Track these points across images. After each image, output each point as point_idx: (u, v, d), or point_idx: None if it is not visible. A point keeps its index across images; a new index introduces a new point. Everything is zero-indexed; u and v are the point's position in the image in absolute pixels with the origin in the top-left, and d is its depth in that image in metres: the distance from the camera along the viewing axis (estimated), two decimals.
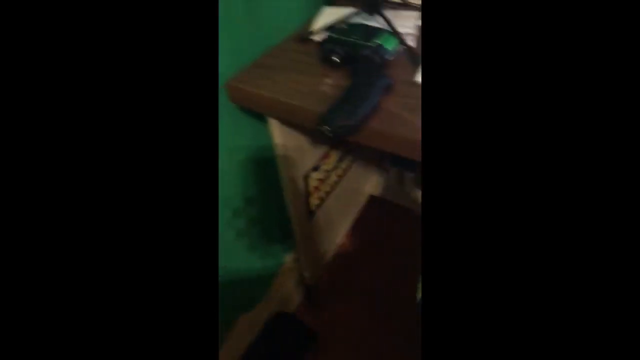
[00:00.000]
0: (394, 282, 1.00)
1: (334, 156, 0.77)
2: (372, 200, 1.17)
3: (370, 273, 1.03)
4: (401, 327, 0.92)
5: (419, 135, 0.37)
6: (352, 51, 0.43)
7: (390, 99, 0.41)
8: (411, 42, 0.49)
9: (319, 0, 0.62)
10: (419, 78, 0.43)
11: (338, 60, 0.44)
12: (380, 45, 0.43)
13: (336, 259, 1.05)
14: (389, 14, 0.53)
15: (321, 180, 0.75)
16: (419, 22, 0.53)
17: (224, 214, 0.63)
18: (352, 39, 0.44)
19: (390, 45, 0.44)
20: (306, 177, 0.69)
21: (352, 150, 0.85)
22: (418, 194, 1.05)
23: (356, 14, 0.52)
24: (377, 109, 0.40)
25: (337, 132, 0.36)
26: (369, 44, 0.43)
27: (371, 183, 1.12)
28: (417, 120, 0.39)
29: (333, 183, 0.82)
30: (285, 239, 0.84)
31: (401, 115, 0.39)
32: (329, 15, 0.55)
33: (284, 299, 0.95)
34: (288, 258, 0.95)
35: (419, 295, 0.51)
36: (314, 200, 0.76)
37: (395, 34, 0.47)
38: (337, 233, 1.06)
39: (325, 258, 1.02)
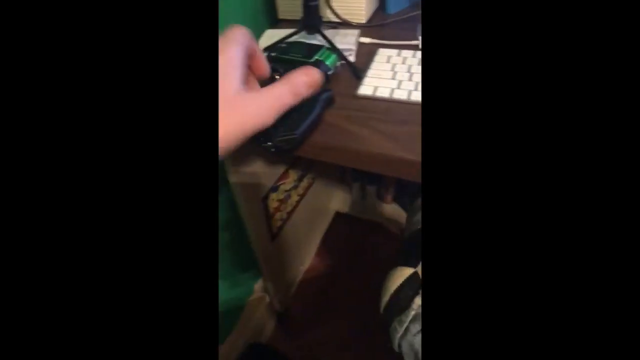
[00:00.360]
0: (368, 299, 0.99)
1: (292, 175, 0.76)
2: (339, 217, 1.17)
3: (342, 292, 1.01)
4: (378, 345, 0.90)
5: (364, 146, 0.38)
6: (292, 68, 0.44)
7: (334, 112, 0.42)
8: (351, 57, 0.50)
9: (262, 23, 0.63)
10: (360, 91, 0.44)
11: (279, 78, 0.45)
12: (319, 61, 0.44)
13: (306, 280, 1.03)
14: (329, 32, 0.54)
15: (281, 201, 0.74)
16: (360, 39, 0.54)
17: None
18: (291, 57, 0.45)
19: (330, 60, 0.44)
20: (265, 199, 0.68)
21: (311, 168, 0.85)
22: (382, 207, 1.07)
23: (297, 34, 0.53)
24: (320, 122, 0.40)
25: (279, 147, 0.36)
26: (308, 60, 0.44)
27: (336, 200, 1.12)
28: (360, 131, 0.39)
29: (295, 203, 0.81)
30: (252, 266, 0.82)
31: (345, 127, 0.40)
32: (271, 37, 0.56)
33: (256, 329, 0.91)
34: (257, 286, 0.92)
35: (382, 304, 0.51)
36: (276, 222, 0.75)
37: (334, 49, 0.48)
38: (305, 254, 1.04)
39: (294, 281, 1.00)
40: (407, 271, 0.48)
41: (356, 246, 1.11)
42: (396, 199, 1.06)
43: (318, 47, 0.46)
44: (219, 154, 0.25)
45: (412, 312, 0.44)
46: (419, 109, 0.41)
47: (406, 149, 0.36)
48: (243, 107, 0.28)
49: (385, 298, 0.49)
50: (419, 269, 0.47)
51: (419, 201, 0.59)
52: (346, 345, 0.91)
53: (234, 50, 0.28)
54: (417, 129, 0.38)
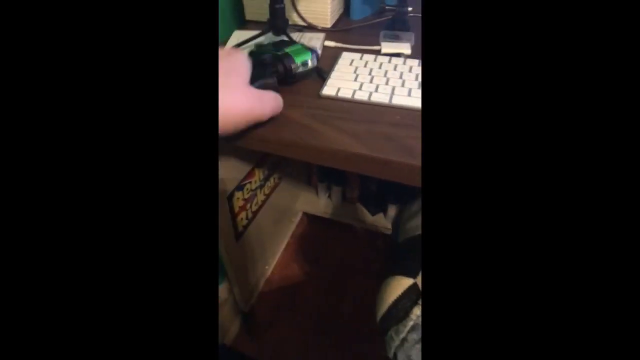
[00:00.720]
0: (334, 300, 1.01)
1: (258, 174, 0.77)
2: (305, 217, 1.18)
3: (307, 292, 1.02)
4: (345, 346, 0.92)
5: (327, 143, 0.39)
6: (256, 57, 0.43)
7: (299, 110, 0.43)
8: (316, 60, 0.52)
9: (230, 24, 0.64)
10: (324, 91, 0.45)
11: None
12: (288, 55, 0.44)
13: (272, 281, 1.03)
14: (295, 35, 0.56)
15: (246, 200, 0.74)
16: (325, 43, 0.57)
17: None
18: (264, 50, 0.46)
19: (300, 58, 0.45)
20: (230, 198, 0.68)
21: (277, 168, 0.86)
22: (347, 208, 1.09)
23: (263, 34, 0.54)
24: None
25: None
26: (277, 52, 0.45)
27: (302, 200, 1.13)
28: (323, 129, 0.41)
29: (260, 202, 0.82)
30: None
31: (309, 125, 0.41)
32: (239, 37, 0.57)
33: (219, 330, 0.90)
34: (221, 287, 0.91)
35: (380, 314, 0.50)
36: (241, 222, 0.75)
37: (309, 49, 0.48)
38: (270, 254, 1.04)
39: (260, 282, 1.00)
40: (405, 282, 0.47)
41: (322, 246, 1.12)
42: (360, 200, 1.09)
43: (292, 42, 0.47)
44: (228, 130, 0.33)
45: (411, 322, 0.44)
46: (379, 109, 0.43)
47: (366, 146, 0.38)
48: (252, 95, 0.36)
49: (383, 308, 0.48)
50: (419, 280, 0.46)
51: (413, 206, 0.59)
52: (309, 347, 0.92)
53: (242, 55, 0.37)
54: (376, 128, 0.40)
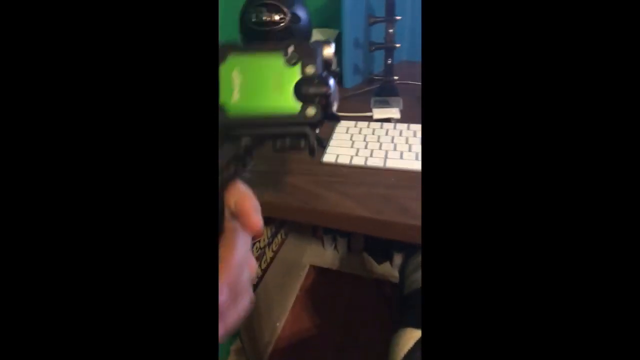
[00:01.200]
0: (345, 351, 0.99)
1: (266, 232, 0.80)
2: (312, 270, 1.19)
3: (320, 345, 1.00)
4: None
5: (328, 206, 0.43)
6: None
7: (302, 177, 0.48)
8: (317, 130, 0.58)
9: None
10: (325, 158, 0.50)
11: None
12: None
13: (284, 336, 1.01)
14: None
15: (256, 258, 0.77)
16: None
17: None
18: None
19: None
20: None
21: (284, 224, 0.90)
22: (353, 258, 1.11)
23: None
24: None
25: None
26: None
27: (309, 253, 1.15)
28: (327, 194, 0.45)
29: (269, 259, 0.84)
30: None
31: (312, 191, 0.46)
32: None
33: None
34: (233, 348, 0.90)
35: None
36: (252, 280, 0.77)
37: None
38: (281, 310, 1.04)
39: (272, 338, 0.99)
40: (416, 334, 0.48)
41: (330, 297, 1.12)
42: (366, 249, 1.11)
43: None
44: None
45: None
46: (375, 172, 0.48)
47: (367, 208, 0.42)
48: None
49: None
50: None
51: (417, 258, 0.61)
52: None
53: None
54: (374, 190, 0.45)
